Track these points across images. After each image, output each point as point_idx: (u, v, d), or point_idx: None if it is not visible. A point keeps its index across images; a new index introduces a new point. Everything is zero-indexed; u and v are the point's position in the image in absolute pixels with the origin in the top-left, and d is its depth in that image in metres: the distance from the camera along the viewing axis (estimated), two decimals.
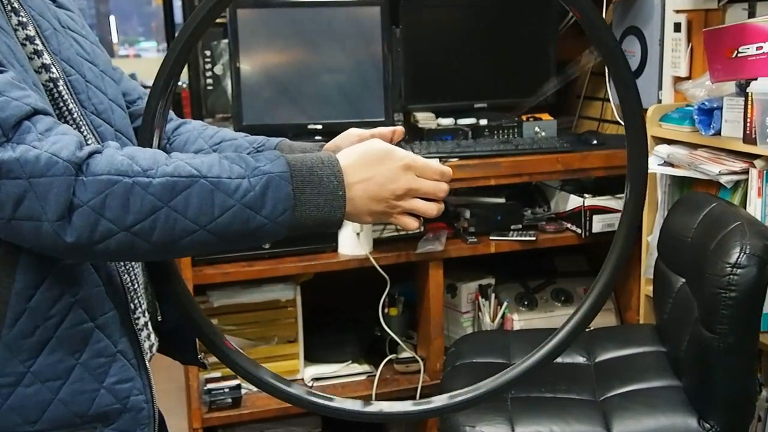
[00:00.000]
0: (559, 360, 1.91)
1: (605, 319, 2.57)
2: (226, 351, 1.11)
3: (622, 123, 2.56)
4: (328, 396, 1.07)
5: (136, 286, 1.08)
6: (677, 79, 2.33)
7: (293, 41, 2.35)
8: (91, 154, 0.86)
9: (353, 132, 1.22)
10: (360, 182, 0.97)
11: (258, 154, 0.95)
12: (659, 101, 2.45)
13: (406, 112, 2.56)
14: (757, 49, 1.68)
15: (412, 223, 1.03)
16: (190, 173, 0.89)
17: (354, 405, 1.08)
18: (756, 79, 1.69)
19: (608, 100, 2.76)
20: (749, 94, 1.72)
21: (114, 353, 1.00)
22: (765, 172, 1.74)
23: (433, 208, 1.02)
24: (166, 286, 1.12)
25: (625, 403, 1.63)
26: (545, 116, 2.63)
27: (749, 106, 1.73)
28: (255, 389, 2.14)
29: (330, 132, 2.43)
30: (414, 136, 2.47)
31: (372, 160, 0.98)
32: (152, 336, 1.12)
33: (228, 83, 2.57)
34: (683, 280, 1.75)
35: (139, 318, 1.07)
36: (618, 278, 2.77)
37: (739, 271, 1.41)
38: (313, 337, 2.47)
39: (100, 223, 0.85)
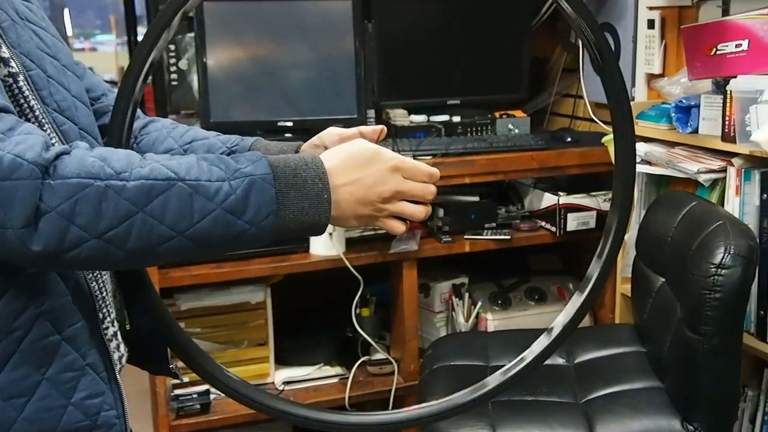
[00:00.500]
0: None
1: None
2: (203, 363, 1.06)
3: (596, 120, 2.55)
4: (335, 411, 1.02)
5: (105, 294, 1.02)
6: (651, 77, 2.32)
7: (262, 35, 2.29)
8: (58, 156, 0.80)
9: (333, 131, 1.17)
10: (346, 185, 0.92)
11: (238, 155, 0.90)
12: (632, 98, 2.43)
13: (378, 108, 2.52)
14: (737, 46, 1.66)
15: (399, 227, 0.99)
16: (167, 176, 0.83)
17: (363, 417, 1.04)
18: (735, 77, 1.67)
19: (581, 97, 2.74)
20: (728, 91, 1.70)
21: (83, 367, 0.94)
22: (743, 170, 1.73)
23: (421, 211, 0.98)
24: (136, 294, 1.06)
25: (607, 405, 1.60)
26: (519, 113, 2.60)
27: (728, 104, 1.71)
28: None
29: (301, 129, 2.39)
30: (386, 134, 2.41)
31: (358, 162, 0.94)
32: (122, 346, 1.06)
33: (194, 78, 2.50)
34: (663, 279, 1.73)
35: (108, 328, 1.01)
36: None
37: (723, 271, 1.38)
38: (284, 340, 2.41)
39: (70, 230, 0.79)
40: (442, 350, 1.95)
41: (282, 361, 2.41)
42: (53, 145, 0.82)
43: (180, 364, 1.10)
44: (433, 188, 0.99)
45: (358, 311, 2.42)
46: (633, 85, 2.44)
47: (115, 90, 1.22)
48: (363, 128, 1.17)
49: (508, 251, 2.47)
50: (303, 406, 1.03)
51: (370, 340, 2.40)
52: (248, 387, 1.05)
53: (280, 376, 2.37)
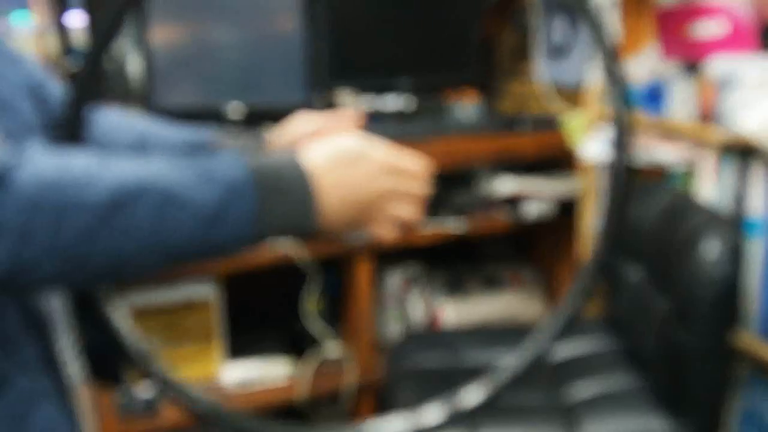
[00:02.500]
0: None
1: (535, 304, 2.49)
2: (167, 379, 0.93)
3: (553, 102, 2.47)
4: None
5: (56, 307, 0.89)
6: None
7: (209, 15, 2.12)
8: (8, 162, 0.66)
9: (304, 119, 1.05)
10: (333, 187, 0.81)
11: (212, 156, 0.77)
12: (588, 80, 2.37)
13: (327, 90, 2.38)
14: (714, 27, 1.60)
15: (392, 232, 0.88)
16: (136, 184, 0.70)
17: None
18: (712, 59, 1.60)
19: (533, 79, 2.66)
20: (703, 74, 1.64)
21: (37, 396, 0.81)
22: (720, 155, 1.67)
23: (414, 213, 0.88)
24: (86, 304, 0.93)
25: (591, 407, 1.53)
26: (471, 96, 2.51)
27: (703, 87, 1.65)
28: None
29: (250, 114, 2.24)
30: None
31: (345, 159, 0.82)
32: (76, 364, 0.93)
33: (128, 61, 2.32)
34: (641, 273, 1.67)
35: (58, 342, 0.89)
36: (546, 260, 2.70)
37: (715, 267, 1.32)
38: (231, 337, 2.28)
39: (26, 250, 0.66)
40: (408, 350, 1.85)
41: (230, 358, 2.28)
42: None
43: None
44: (427, 188, 0.88)
45: (306, 306, 2.30)
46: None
47: (56, 78, 1.08)
48: (338, 115, 1.06)
49: (460, 237, 2.38)
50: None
51: (323, 335, 2.29)
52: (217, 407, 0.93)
53: (229, 374, 2.24)
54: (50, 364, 0.85)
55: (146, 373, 0.91)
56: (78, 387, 0.94)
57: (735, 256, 1.34)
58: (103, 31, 0.76)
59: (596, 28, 0.83)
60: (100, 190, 0.68)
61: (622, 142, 0.85)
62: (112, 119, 1.08)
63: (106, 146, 1.06)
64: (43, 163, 0.67)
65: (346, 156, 0.82)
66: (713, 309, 1.32)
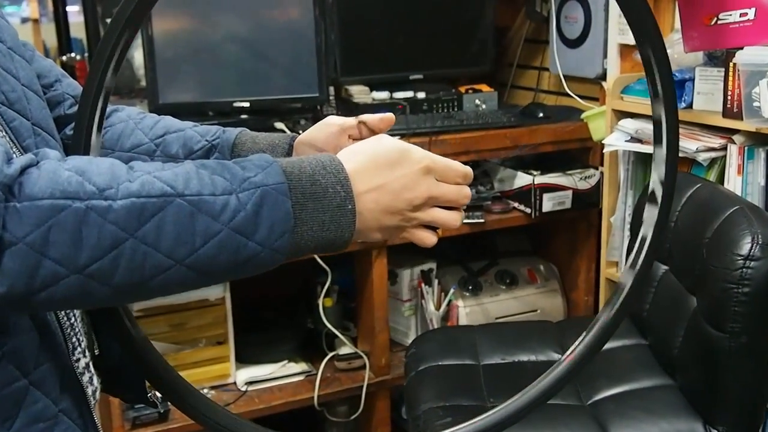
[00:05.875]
0: (532, 358, 1.79)
1: (551, 300, 2.45)
2: (186, 395, 0.88)
3: (570, 94, 2.42)
4: None
5: (73, 320, 0.85)
6: (624, 47, 2.20)
7: (214, 6, 2.07)
8: (24, 170, 0.62)
9: (332, 121, 1.01)
10: (370, 191, 0.76)
11: (243, 160, 0.72)
12: (604, 70, 2.32)
13: (338, 85, 2.34)
14: (741, 15, 1.55)
15: (431, 239, 0.83)
16: (162, 191, 0.65)
17: None
18: (741, 49, 1.55)
19: (546, 69, 2.62)
20: (733, 65, 1.59)
21: (55, 414, 0.77)
22: (746, 148, 1.63)
23: (456, 219, 0.83)
24: (103, 314, 0.88)
25: (618, 407, 1.48)
26: (485, 88, 2.46)
27: (730, 78, 1.60)
28: None
29: (258, 110, 2.19)
30: (347, 112, 2.25)
31: (383, 163, 0.77)
32: (95, 378, 0.89)
33: (135, 55, 2.28)
34: (666, 267, 1.62)
35: (79, 360, 0.85)
36: (563, 255, 2.64)
37: (752, 263, 1.27)
38: (243, 337, 2.24)
39: (43, 265, 0.61)
40: (427, 348, 1.80)
41: (243, 359, 2.24)
42: (14, 155, 0.63)
43: None
44: (468, 191, 0.83)
45: (318, 302, 2.26)
46: (605, 56, 2.32)
47: (69, 76, 1.04)
48: (368, 117, 1.01)
49: (476, 232, 2.34)
50: None
51: (337, 333, 2.25)
52: (241, 422, 0.89)
53: (242, 376, 2.21)
54: (70, 378, 0.81)
55: (162, 389, 0.87)
56: (96, 399, 0.90)
57: None
58: (112, 26, 0.72)
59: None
60: (124, 197, 0.63)
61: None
62: (131, 115, 1.04)
63: (123, 147, 1.02)
64: (62, 170, 0.63)
65: (385, 157, 0.77)
66: (748, 306, 1.28)
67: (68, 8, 2.54)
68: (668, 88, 0.80)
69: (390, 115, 1.00)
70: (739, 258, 1.29)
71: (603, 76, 2.31)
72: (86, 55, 2.44)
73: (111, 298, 0.66)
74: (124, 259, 0.64)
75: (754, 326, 1.30)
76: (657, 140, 0.82)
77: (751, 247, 1.28)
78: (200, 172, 0.68)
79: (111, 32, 0.73)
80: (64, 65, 2.36)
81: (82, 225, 0.62)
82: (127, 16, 0.72)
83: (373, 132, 0.98)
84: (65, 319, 0.82)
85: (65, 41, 2.50)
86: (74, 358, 0.83)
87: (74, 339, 0.84)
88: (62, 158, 0.66)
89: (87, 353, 0.87)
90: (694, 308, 1.46)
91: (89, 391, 0.86)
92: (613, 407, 1.48)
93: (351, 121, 1.00)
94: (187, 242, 0.66)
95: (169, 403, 1.97)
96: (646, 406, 1.46)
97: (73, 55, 2.48)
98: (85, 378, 0.85)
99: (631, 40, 2.16)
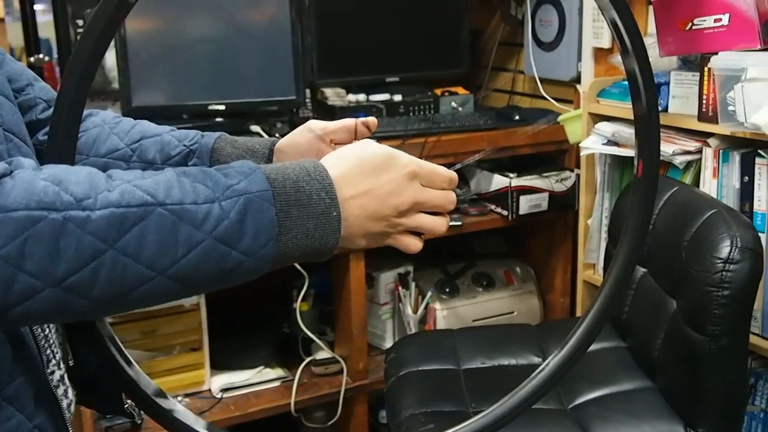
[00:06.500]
0: (513, 362, 1.78)
1: (528, 302, 2.45)
2: (163, 406, 0.86)
3: (546, 96, 2.43)
4: None
5: (48, 331, 0.82)
6: (599, 51, 2.21)
7: (189, 8, 2.04)
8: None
9: (314, 125, 1.00)
10: (356, 197, 0.74)
11: (226, 167, 0.70)
12: (578, 73, 2.33)
13: (314, 87, 2.32)
14: (716, 21, 1.55)
15: (416, 244, 0.82)
16: (143, 200, 0.63)
17: None
18: (716, 53, 1.56)
19: (521, 72, 2.62)
20: (708, 69, 1.60)
21: (30, 430, 0.75)
22: (720, 151, 1.64)
23: (442, 224, 0.82)
24: (78, 328, 0.86)
25: (600, 410, 1.48)
26: (461, 90, 2.46)
27: (705, 82, 1.61)
28: None
29: (234, 113, 2.16)
30: (323, 115, 2.23)
31: (369, 168, 0.76)
32: (69, 391, 0.87)
33: (107, 57, 2.24)
34: (645, 270, 1.62)
35: (53, 372, 0.82)
36: (539, 257, 2.64)
37: (732, 266, 1.28)
38: (218, 343, 2.21)
39: (18, 279, 0.59)
40: (407, 353, 1.79)
41: (218, 366, 2.21)
42: None
43: None
44: (453, 196, 0.83)
45: (294, 306, 2.24)
46: (579, 59, 2.33)
47: (42, 79, 1.02)
48: (349, 121, 1.00)
49: (453, 235, 2.33)
50: None
51: (314, 337, 2.23)
52: None
53: (217, 383, 2.18)
54: (43, 393, 0.78)
55: (138, 401, 0.85)
56: (71, 413, 0.88)
57: (756, 255, 1.29)
58: (91, 25, 0.70)
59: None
60: (103, 207, 0.61)
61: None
62: (106, 119, 1.02)
63: (98, 153, 1.00)
64: (37, 180, 0.61)
65: (371, 164, 0.76)
66: (728, 308, 1.28)
67: (35, 6, 2.49)
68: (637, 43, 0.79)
69: (372, 119, 1.00)
70: (719, 261, 1.29)
71: (577, 79, 2.32)
72: (55, 56, 2.39)
73: (90, 311, 0.64)
74: (103, 271, 0.62)
75: (734, 329, 1.30)
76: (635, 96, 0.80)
77: (731, 250, 1.29)
78: (181, 180, 0.67)
79: (87, 35, 0.71)
80: (31, 66, 2.32)
81: (60, 237, 0.60)
82: (106, 17, 0.70)
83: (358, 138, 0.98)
84: (39, 330, 0.80)
85: (33, 42, 2.45)
86: (49, 370, 0.81)
87: (48, 351, 0.82)
88: (37, 167, 0.63)
89: (62, 365, 0.85)
90: (674, 311, 1.47)
91: (64, 404, 0.83)
92: (595, 410, 1.48)
93: (333, 125, 0.99)
94: (169, 253, 0.64)
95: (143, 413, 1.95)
96: (628, 408, 1.46)
97: (41, 56, 2.43)
98: (60, 391, 0.83)
99: (605, 43, 2.18)
